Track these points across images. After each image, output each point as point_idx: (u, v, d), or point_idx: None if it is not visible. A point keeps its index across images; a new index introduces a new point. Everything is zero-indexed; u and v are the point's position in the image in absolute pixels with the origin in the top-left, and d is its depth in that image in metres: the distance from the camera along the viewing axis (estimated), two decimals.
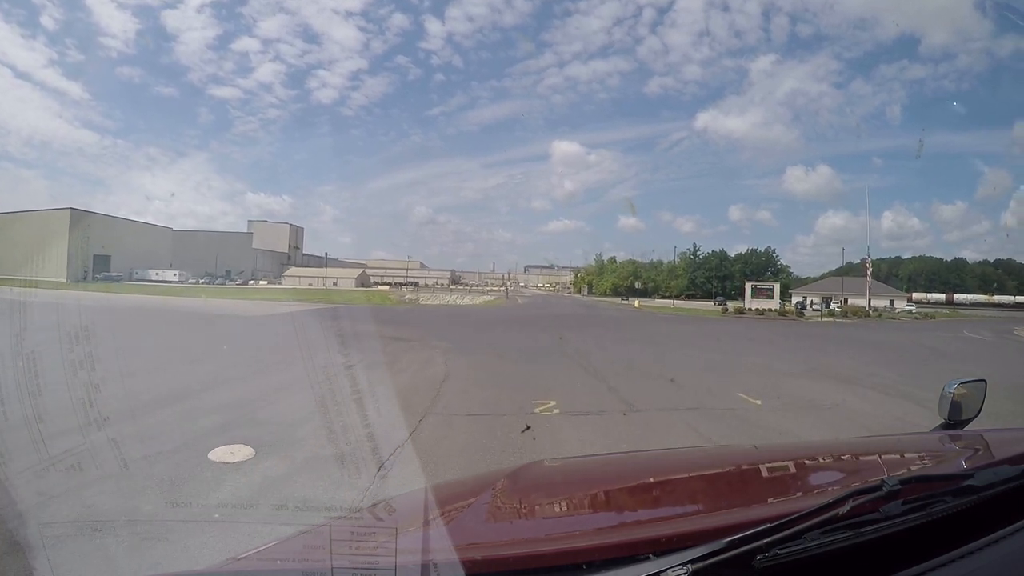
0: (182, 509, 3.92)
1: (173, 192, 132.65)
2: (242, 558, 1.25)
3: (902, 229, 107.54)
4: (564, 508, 1.49)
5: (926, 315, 47.36)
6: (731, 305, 48.38)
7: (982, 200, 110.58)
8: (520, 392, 8.17)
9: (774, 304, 46.20)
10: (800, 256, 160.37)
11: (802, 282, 76.09)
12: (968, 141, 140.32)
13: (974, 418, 1.95)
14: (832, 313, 43.36)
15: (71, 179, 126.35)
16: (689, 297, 78.01)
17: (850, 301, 49.68)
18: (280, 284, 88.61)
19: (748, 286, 50.72)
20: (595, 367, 10.75)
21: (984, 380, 2.02)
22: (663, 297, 79.22)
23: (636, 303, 54.85)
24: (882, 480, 1.02)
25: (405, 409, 7.02)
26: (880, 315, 45.32)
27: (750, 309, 44.47)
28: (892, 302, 57.25)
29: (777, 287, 50.36)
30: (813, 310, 47.56)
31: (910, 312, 49.50)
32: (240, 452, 5.53)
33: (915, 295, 68.25)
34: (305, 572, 1.04)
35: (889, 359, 14.73)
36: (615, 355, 13.21)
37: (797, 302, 53.28)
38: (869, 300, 50.39)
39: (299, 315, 26.90)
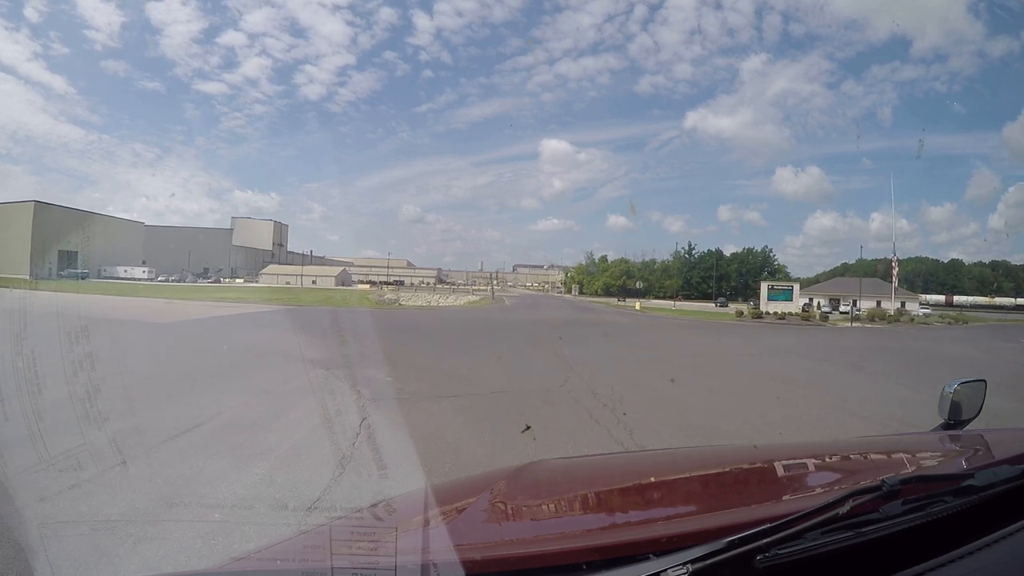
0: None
1: (167, 190, 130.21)
2: (242, 558, 1.30)
3: (891, 230, 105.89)
4: (564, 508, 1.46)
5: (956, 319, 42.89)
6: (738, 307, 43.57)
7: (972, 201, 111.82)
8: None
9: (794, 307, 41.30)
10: (789, 257, 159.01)
11: (795, 283, 73.25)
12: (959, 143, 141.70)
13: (974, 418, 1.90)
14: (857, 317, 38.61)
15: (56, 175, 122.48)
16: (686, 297, 73.60)
17: (859, 303, 45.41)
18: (257, 282, 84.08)
19: (764, 286, 45.78)
20: (642, 443, 5.61)
21: (984, 380, 1.96)
22: (657, 297, 75.00)
23: (637, 305, 49.42)
24: (882, 480, 1.00)
25: None
26: (912, 319, 40.75)
27: (768, 312, 39.53)
28: (903, 304, 53.39)
29: (796, 288, 45.41)
30: (823, 312, 42.74)
31: (940, 316, 44.94)
32: None
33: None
34: (305, 572, 1.02)
35: None
36: (663, 403, 8.07)
37: (804, 303, 48.72)
38: (879, 303, 46.39)
39: (230, 320, 21.64)
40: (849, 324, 35.13)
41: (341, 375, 9.06)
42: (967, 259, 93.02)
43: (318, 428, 5.87)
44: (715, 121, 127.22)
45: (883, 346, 19.70)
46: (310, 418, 6.29)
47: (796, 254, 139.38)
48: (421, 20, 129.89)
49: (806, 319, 37.03)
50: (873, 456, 1.83)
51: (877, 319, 39.20)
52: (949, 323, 40.56)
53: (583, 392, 8.11)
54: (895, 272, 45.92)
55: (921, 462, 1.67)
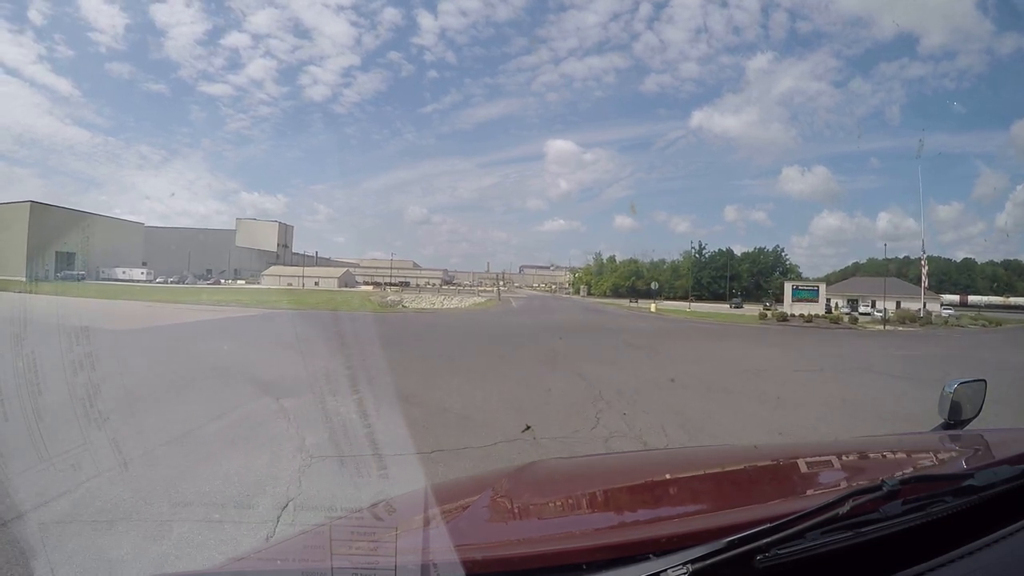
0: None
1: (172, 192, 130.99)
2: (242, 558, 1.27)
3: (898, 229, 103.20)
4: (564, 508, 1.44)
5: (991, 322, 40.17)
6: (758, 308, 41.02)
7: (980, 200, 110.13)
8: None
9: (818, 308, 38.66)
10: (796, 257, 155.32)
11: (821, 282, 70.85)
12: (967, 141, 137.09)
13: (974, 418, 1.87)
14: (887, 320, 36.03)
15: (63, 177, 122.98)
16: (697, 298, 71.09)
17: (879, 303, 42.97)
18: (258, 283, 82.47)
19: (788, 287, 43.12)
20: None
21: (984, 380, 1.92)
22: (668, 298, 72.60)
23: (652, 306, 46.87)
24: (882, 480, 1.00)
25: None
26: (946, 322, 38.10)
27: (793, 315, 36.94)
28: (925, 304, 50.73)
29: (823, 288, 42.72)
30: (851, 315, 40.07)
31: (972, 318, 42.20)
32: None
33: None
34: (305, 572, 1.02)
35: None
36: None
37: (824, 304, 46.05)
38: (899, 303, 43.96)
39: (205, 326, 19.53)
40: (882, 328, 32.55)
41: (293, 408, 6.80)
42: (976, 258, 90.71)
43: (213, 524, 3.59)
44: (721, 120, 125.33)
45: (947, 355, 17.19)
46: (217, 492, 4.04)
47: (803, 254, 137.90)
48: (425, 20, 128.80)
49: (834, 322, 34.46)
50: (873, 456, 1.80)
51: (908, 321, 36.61)
52: (983, 325, 37.92)
53: (625, 440, 5.73)
54: (924, 271, 43.06)
55: (921, 462, 1.65)
